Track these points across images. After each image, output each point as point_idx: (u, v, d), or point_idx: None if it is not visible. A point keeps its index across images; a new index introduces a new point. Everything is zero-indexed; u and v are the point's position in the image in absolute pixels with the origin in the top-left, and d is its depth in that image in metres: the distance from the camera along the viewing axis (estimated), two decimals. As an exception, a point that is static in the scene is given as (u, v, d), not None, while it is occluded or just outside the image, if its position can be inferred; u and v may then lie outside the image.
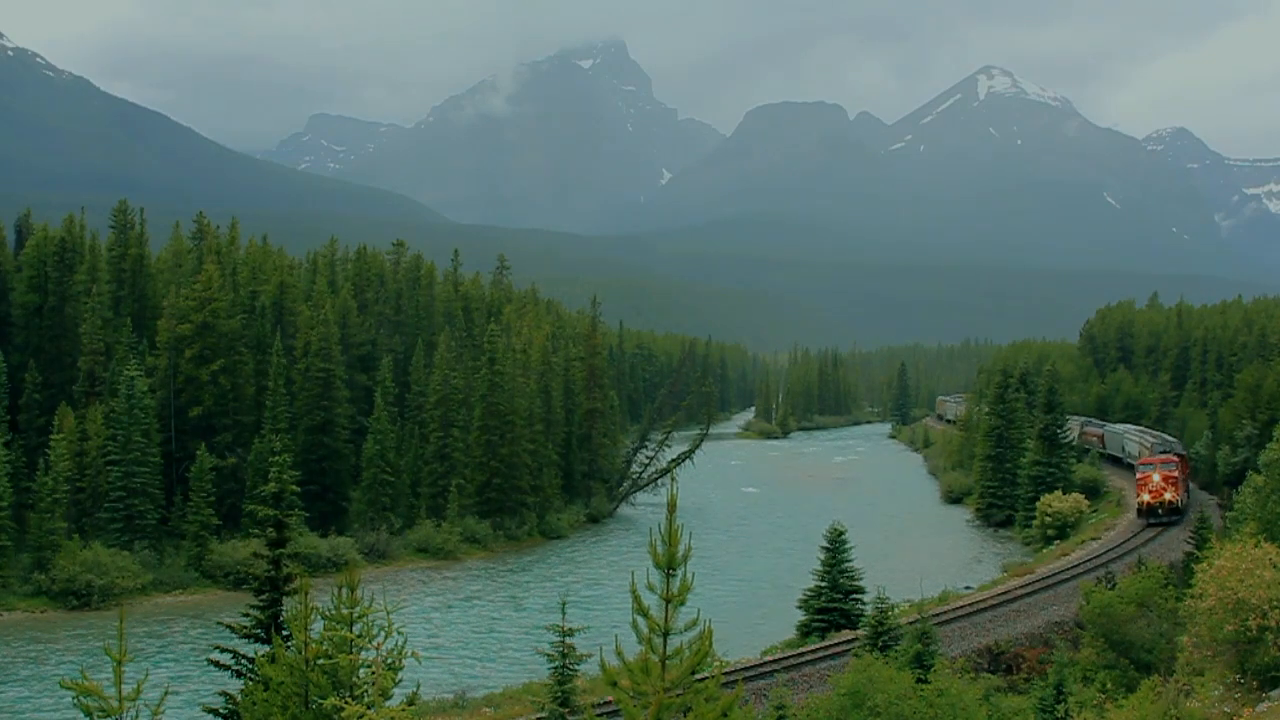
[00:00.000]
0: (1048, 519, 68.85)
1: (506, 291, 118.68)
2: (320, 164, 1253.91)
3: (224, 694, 20.69)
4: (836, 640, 39.49)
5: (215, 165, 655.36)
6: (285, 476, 22.67)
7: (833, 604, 43.55)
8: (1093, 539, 63.59)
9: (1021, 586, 49.44)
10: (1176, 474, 64.46)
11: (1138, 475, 66.38)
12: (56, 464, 57.00)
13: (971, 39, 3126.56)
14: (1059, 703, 26.04)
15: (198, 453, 61.02)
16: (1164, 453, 70.53)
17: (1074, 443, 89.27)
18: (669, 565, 10.90)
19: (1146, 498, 63.99)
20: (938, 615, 40.97)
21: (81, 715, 11.26)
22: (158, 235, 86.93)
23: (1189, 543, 46.20)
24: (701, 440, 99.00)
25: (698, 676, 11.04)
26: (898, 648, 30.87)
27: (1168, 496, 63.31)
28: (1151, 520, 63.27)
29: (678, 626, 10.91)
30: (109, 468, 59.71)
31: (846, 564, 44.14)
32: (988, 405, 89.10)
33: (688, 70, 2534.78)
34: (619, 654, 11.20)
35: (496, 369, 78.69)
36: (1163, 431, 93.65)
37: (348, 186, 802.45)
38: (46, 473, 56.25)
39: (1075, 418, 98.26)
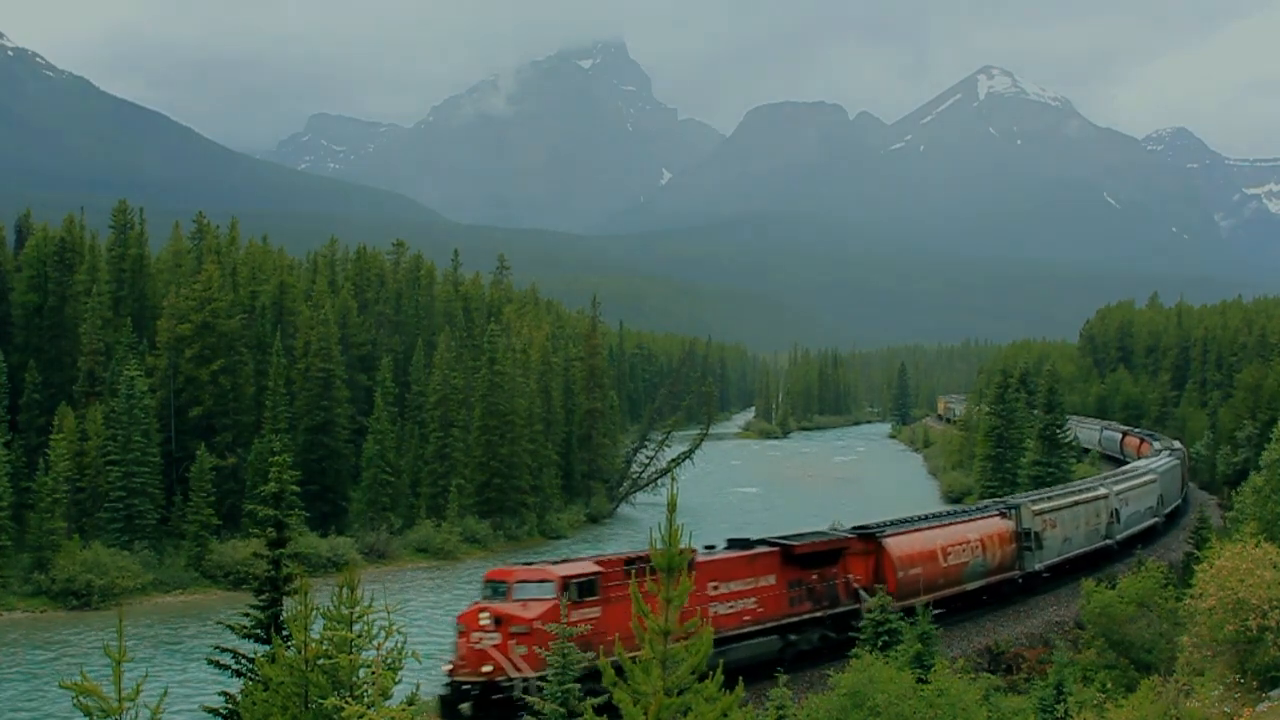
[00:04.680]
0: (1048, 519, 68.70)
1: (506, 291, 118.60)
2: (320, 164, 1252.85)
3: (224, 694, 20.71)
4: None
5: (215, 165, 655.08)
6: (285, 476, 22.63)
7: (833, 604, 43.47)
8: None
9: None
10: (533, 617, 26.54)
11: (467, 608, 28.72)
12: (56, 464, 56.98)
13: (972, 39, 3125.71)
14: (1059, 703, 26.05)
15: (198, 453, 60.98)
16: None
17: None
18: (669, 565, 10.91)
19: (453, 660, 27.43)
20: (938, 615, 40.88)
21: (81, 715, 11.26)
22: (158, 235, 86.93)
23: (1189, 543, 46.20)
24: (701, 440, 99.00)
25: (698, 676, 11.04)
26: (898, 648, 30.85)
27: (488, 668, 26.35)
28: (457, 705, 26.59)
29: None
30: (109, 468, 59.68)
31: (846, 564, 44.08)
32: (988, 405, 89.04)
33: (688, 70, 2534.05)
34: (619, 654, 11.19)
35: (496, 369, 78.65)
36: (1161, 431, 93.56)
37: (347, 186, 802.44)
38: (46, 473, 56.22)
39: (1165, 440, 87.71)
